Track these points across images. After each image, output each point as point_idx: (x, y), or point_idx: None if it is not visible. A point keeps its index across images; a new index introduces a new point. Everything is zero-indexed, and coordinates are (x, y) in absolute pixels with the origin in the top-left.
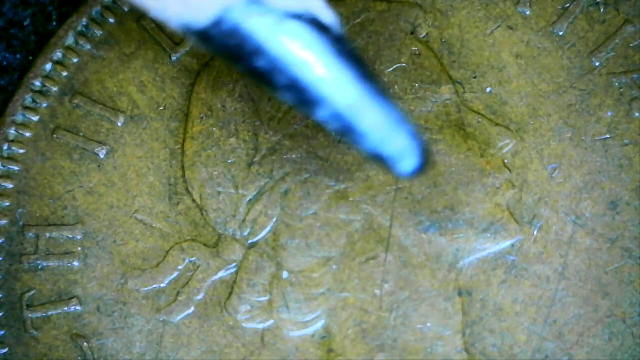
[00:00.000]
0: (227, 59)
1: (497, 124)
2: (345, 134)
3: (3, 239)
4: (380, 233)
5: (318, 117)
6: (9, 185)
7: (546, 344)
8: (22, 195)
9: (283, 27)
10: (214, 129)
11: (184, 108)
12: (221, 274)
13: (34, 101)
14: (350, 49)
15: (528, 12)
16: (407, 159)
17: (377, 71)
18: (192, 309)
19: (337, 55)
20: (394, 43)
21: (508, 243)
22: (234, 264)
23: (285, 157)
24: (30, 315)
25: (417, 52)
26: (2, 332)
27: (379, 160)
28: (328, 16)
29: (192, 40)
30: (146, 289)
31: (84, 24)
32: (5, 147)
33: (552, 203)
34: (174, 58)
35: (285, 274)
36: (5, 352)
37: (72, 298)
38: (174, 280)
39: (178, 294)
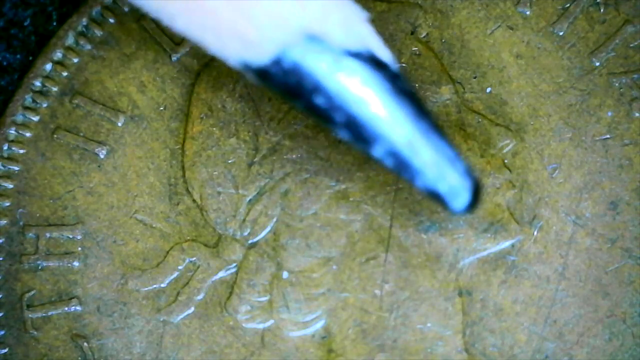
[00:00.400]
0: (285, 95)
1: (497, 124)
2: (400, 171)
3: (3, 239)
4: (380, 233)
5: (374, 153)
6: (9, 185)
7: (546, 344)
8: (22, 195)
9: (341, 65)
10: (214, 129)
11: (184, 108)
12: (221, 274)
13: (34, 101)
14: (406, 86)
15: (528, 12)
16: (460, 196)
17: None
18: (192, 309)
19: (393, 93)
20: (394, 43)
21: (508, 243)
22: (234, 264)
23: (285, 157)
24: (30, 315)
25: (417, 52)
26: (2, 332)
27: (434, 196)
28: (385, 54)
29: (250, 77)
30: (146, 289)
31: (84, 24)
32: (5, 147)
33: (552, 203)
34: (174, 58)
35: (285, 274)
36: (5, 352)
37: (72, 298)
38: (174, 280)
39: (178, 294)
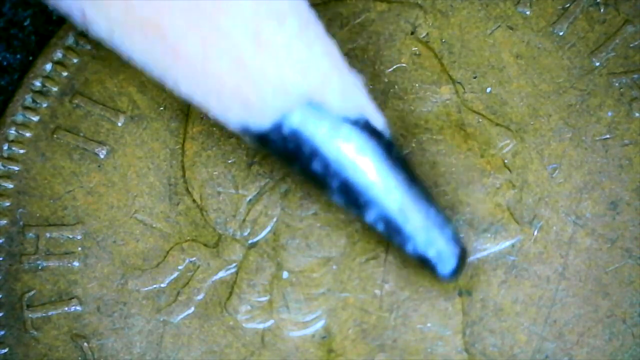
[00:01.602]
0: (283, 159)
1: (497, 124)
2: (391, 236)
3: (3, 239)
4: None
5: (367, 219)
6: (9, 185)
7: (546, 344)
8: (22, 195)
9: (339, 131)
10: (214, 129)
11: (184, 108)
12: (221, 274)
13: (34, 101)
14: (398, 154)
15: (528, 12)
16: (447, 262)
17: (378, 72)
18: (192, 309)
19: (387, 160)
20: (394, 43)
21: (508, 243)
22: (234, 264)
23: None
24: (30, 315)
25: (417, 52)
26: (2, 332)
27: (422, 261)
28: (379, 121)
29: (248, 141)
30: (146, 289)
31: None
32: (5, 147)
33: (552, 203)
34: None
35: (285, 274)
36: (5, 352)
37: (72, 298)
38: (174, 280)
39: (178, 294)
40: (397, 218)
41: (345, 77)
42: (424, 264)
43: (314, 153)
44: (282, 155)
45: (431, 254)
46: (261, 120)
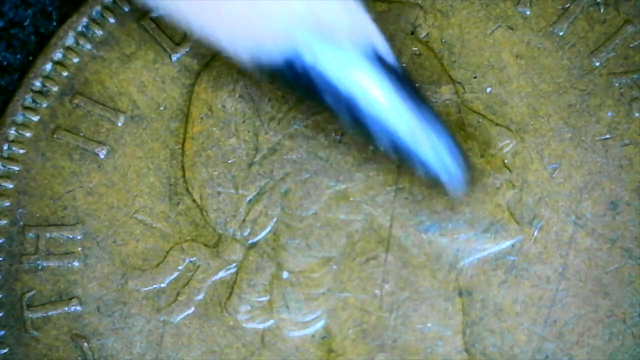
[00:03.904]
0: (295, 92)
1: (497, 124)
2: (404, 160)
3: (3, 239)
4: (380, 233)
5: (379, 145)
6: (9, 185)
7: (546, 344)
8: (22, 195)
9: (350, 63)
10: (214, 129)
11: (184, 108)
12: (221, 274)
13: (34, 101)
14: (408, 82)
15: (528, 12)
16: (457, 180)
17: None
18: (192, 309)
19: (396, 88)
20: (394, 43)
21: (508, 243)
22: (234, 264)
23: (285, 157)
24: (30, 315)
25: (417, 52)
26: (2, 332)
27: (435, 180)
28: (388, 53)
29: (260, 76)
30: (146, 289)
31: (84, 24)
32: (5, 147)
33: (552, 203)
34: (174, 58)
35: (285, 274)
36: (5, 352)
37: (72, 298)
38: (174, 280)
39: (178, 294)
40: (409, 142)
41: (354, 11)
42: (435, 184)
43: (326, 83)
44: (294, 88)
45: (442, 174)
46: (272, 54)
